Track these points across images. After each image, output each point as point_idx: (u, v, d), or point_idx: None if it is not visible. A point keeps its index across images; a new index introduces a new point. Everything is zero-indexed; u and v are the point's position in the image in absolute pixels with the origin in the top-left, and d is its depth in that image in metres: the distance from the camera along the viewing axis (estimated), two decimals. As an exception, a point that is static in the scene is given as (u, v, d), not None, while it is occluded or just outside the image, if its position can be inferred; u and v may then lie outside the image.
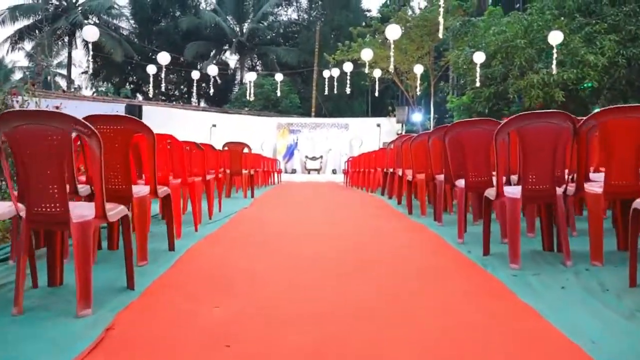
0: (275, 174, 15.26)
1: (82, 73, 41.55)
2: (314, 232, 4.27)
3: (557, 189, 2.84)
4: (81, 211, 2.14)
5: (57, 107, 4.24)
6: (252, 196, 8.01)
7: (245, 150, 7.90)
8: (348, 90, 16.57)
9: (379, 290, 2.50)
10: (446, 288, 2.55)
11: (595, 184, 2.88)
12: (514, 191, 2.90)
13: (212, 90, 20.38)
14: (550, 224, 3.17)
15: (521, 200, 2.85)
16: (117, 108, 19.86)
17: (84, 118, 2.85)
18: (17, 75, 39.90)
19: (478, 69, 13.51)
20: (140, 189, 3.01)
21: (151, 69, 16.25)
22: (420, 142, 5.19)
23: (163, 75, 15.67)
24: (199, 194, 4.66)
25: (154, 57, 38.03)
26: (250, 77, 18.42)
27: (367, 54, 13.96)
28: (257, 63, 39.23)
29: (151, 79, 16.27)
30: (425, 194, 5.25)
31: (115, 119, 2.89)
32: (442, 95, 25.33)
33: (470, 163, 3.59)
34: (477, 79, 13.63)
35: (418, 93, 18.49)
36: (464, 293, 2.46)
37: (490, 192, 3.05)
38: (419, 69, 16.50)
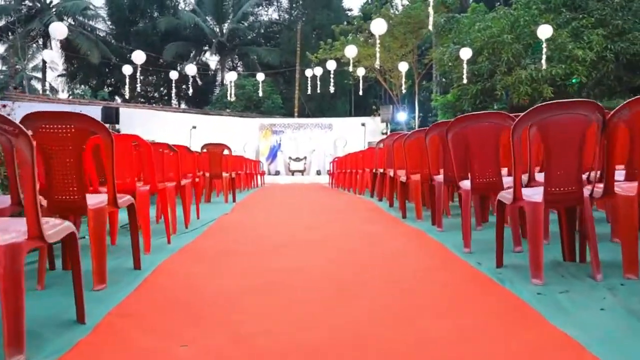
0: (259, 177, 14.79)
1: (59, 76, 40.63)
2: (301, 240, 3.83)
3: (584, 190, 2.45)
4: (7, 229, 1.68)
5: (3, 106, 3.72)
6: (234, 200, 7.55)
7: (226, 152, 7.44)
8: (332, 89, 16.16)
9: (381, 313, 2.08)
10: (461, 310, 2.14)
11: (627, 184, 2.49)
12: (534, 194, 2.50)
13: (191, 91, 19.76)
14: (571, 230, 2.78)
15: (543, 204, 2.45)
16: (94, 111, 19.20)
17: (25, 115, 2.39)
18: (-8, 80, 38.75)
19: (465, 65, 13.21)
20: (97, 199, 2.55)
21: (127, 70, 15.66)
22: (414, 140, 4.79)
23: (138, 75, 15.06)
24: (172, 201, 4.20)
25: (131, 58, 37.46)
26: (230, 77, 17.89)
27: (351, 51, 13.57)
28: (238, 64, 38.64)
29: (127, 80, 15.67)
30: (421, 196, 4.85)
31: (65, 117, 2.42)
32: (425, 94, 25.10)
33: (477, 162, 3.19)
34: (464, 76, 13.31)
35: (403, 91, 18.14)
36: (484, 317, 2.05)
37: (505, 196, 2.65)
38: (403, 67, 16.16)
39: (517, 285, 2.44)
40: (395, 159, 5.70)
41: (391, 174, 5.87)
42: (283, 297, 2.34)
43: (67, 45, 33.35)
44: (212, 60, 39.16)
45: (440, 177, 4.11)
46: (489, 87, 14.03)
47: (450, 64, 14.96)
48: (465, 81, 13.65)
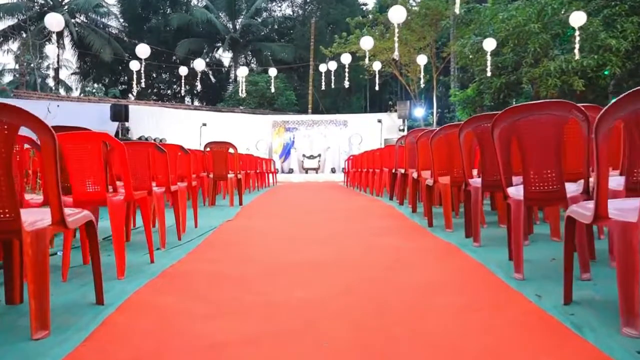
0: (271, 175, 14.19)
1: (72, 74, 40.50)
2: (309, 262, 3.18)
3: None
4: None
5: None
6: (241, 203, 6.93)
7: (231, 150, 6.82)
8: (346, 84, 15.47)
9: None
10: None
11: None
12: (626, 207, 1.82)
13: (199, 87, 19.28)
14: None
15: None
16: (103, 108, 18.80)
17: None
18: (7, 78, 38.69)
19: (489, 57, 12.40)
20: (37, 217, 1.93)
21: (134, 65, 15.16)
22: (443, 137, 4.11)
23: (143, 70, 14.50)
24: (160, 210, 3.58)
25: (136, 52, 37.08)
26: (241, 72, 17.28)
27: (367, 43, 12.85)
28: (252, 60, 38.11)
29: (134, 76, 15.15)
30: (451, 203, 4.17)
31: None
32: (442, 89, 24.27)
33: (532, 166, 2.51)
34: (488, 68, 12.50)
35: (422, 85, 17.36)
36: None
37: (581, 212, 1.97)
38: (422, 60, 15.39)
39: (603, 336, 1.76)
40: (420, 159, 5.02)
41: (414, 175, 5.19)
42: (287, 353, 1.69)
43: (79, 43, 33.15)
44: (225, 57, 38.70)
45: (477, 182, 3.43)
46: (513, 80, 13.21)
47: (471, 56, 14.17)
48: (489, 74, 12.84)
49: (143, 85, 15.11)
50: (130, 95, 37.73)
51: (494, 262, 2.91)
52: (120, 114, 18.08)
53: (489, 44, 12.15)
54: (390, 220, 5.00)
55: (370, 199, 7.67)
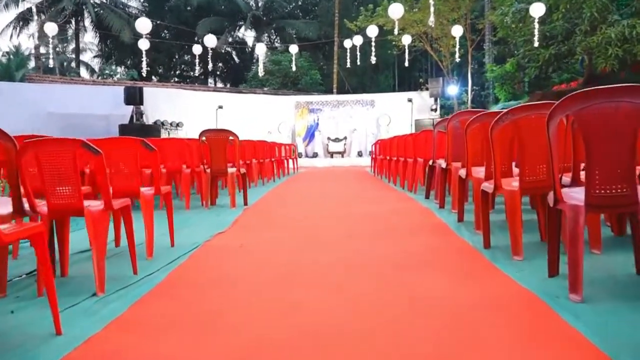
0: (291, 162, 13.01)
1: (95, 57, 39.91)
2: (317, 332, 1.97)
3: None
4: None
5: None
6: (245, 203, 5.76)
7: (235, 140, 5.62)
8: (373, 60, 14.07)
9: None
10: None
11: None
12: None
13: (221, 68, 18.01)
14: None
15: None
16: (118, 91, 17.86)
17: None
18: (32, 64, 38.30)
19: (536, 24, 10.81)
20: None
21: (143, 44, 14.03)
22: (511, 124, 2.82)
23: (144, 48, 13.37)
24: (99, 231, 2.42)
25: (165, 35, 36.11)
26: (259, 49, 15.97)
27: (396, 11, 11.39)
28: (276, 39, 36.74)
29: (144, 56, 14.07)
30: (520, 219, 2.89)
31: None
32: (474, 65, 22.54)
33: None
34: (535, 37, 10.91)
35: (457, 60, 15.80)
36: None
37: None
38: (457, 31, 13.83)
39: None
40: (469, 151, 3.73)
41: (462, 173, 3.91)
42: None
43: (98, 24, 32.33)
44: (248, 36, 37.37)
45: (577, 193, 2.16)
46: (564, 51, 11.58)
47: (513, 25, 12.56)
48: (536, 44, 11.24)
49: (144, 66, 13.89)
50: (153, 77, 36.99)
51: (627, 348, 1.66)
52: (134, 97, 17.07)
53: (537, 10, 10.55)
54: (430, 236, 3.73)
55: (401, 196, 6.37)
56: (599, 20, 10.61)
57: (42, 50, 37.06)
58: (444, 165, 4.66)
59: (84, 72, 37.49)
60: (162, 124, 17.93)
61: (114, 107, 17.82)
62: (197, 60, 16.56)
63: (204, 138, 5.46)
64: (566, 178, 2.79)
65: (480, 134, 3.61)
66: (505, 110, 2.84)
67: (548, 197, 2.38)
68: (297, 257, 3.18)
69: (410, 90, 21.91)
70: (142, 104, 17.30)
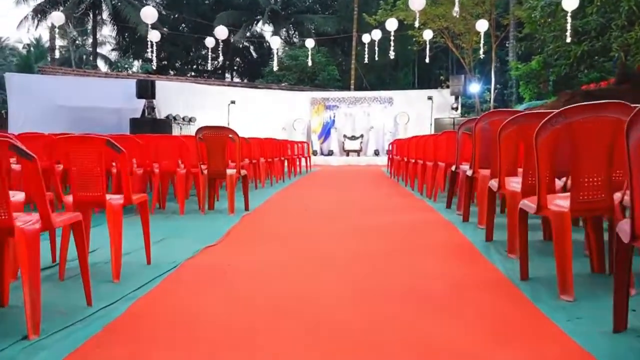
0: (304, 160, 12.46)
1: (112, 50, 39.83)
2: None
3: None
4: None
5: None
6: (247, 208, 5.22)
7: (235, 138, 5.07)
8: (392, 55, 13.41)
9: None
10: None
11: None
12: None
13: (225, 60, 17.53)
14: None
15: None
16: (130, 84, 17.47)
17: None
18: (56, 54, 38.32)
19: (569, 18, 10.06)
20: None
21: (154, 36, 13.57)
22: (564, 127, 2.22)
23: (154, 39, 12.90)
24: (33, 254, 1.89)
25: (182, 29, 35.81)
26: (274, 43, 15.40)
27: (417, 2, 10.74)
28: (294, 34, 36.18)
29: (154, 48, 13.61)
30: (570, 248, 2.29)
31: None
32: (497, 64, 21.72)
33: None
34: (568, 32, 10.16)
35: (481, 56, 15.05)
36: None
37: None
38: (482, 25, 13.10)
39: None
40: (502, 159, 3.13)
41: (493, 185, 3.30)
42: None
43: (116, 17, 32.14)
44: (267, 31, 36.82)
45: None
46: (598, 48, 10.78)
47: (542, 20, 11.80)
48: (569, 39, 10.47)
49: (154, 58, 13.43)
50: (170, 71, 36.73)
51: None
52: (146, 91, 16.66)
53: (570, 3, 9.81)
54: (454, 261, 3.13)
55: (419, 204, 5.74)
56: (638, 14, 9.82)
57: (61, 42, 37.11)
58: (469, 172, 4.04)
59: (102, 66, 37.42)
60: (174, 118, 17.51)
61: (126, 101, 17.45)
62: (209, 54, 16.03)
63: (200, 136, 4.92)
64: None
65: (516, 138, 3.01)
66: (556, 111, 2.23)
67: (618, 228, 1.78)
68: (292, 289, 2.60)
69: (429, 88, 21.17)
70: (154, 98, 16.88)
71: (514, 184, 3.05)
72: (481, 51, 14.12)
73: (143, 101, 16.70)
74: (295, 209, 5.60)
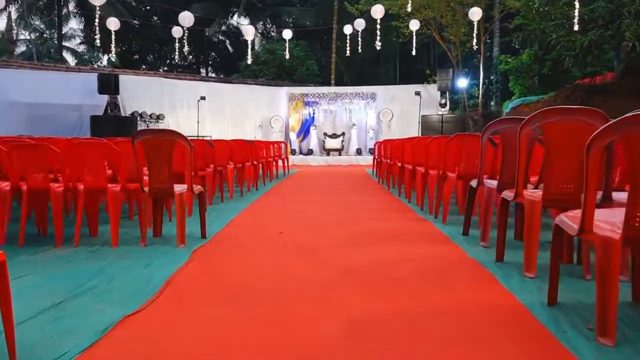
0: (280, 162, 11.25)
1: (80, 44, 37.90)
2: None
3: None
4: None
5: None
6: (203, 235, 4.00)
7: (185, 145, 3.83)
8: (378, 46, 12.25)
9: None
10: None
11: None
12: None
13: (191, 53, 16.21)
14: None
15: None
16: (90, 78, 16.03)
17: None
18: (21, 49, 36.23)
19: (577, 4, 8.99)
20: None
21: (113, 23, 12.14)
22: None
23: (111, 28, 11.46)
24: None
25: (153, 21, 34.10)
26: (249, 33, 14.07)
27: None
28: (272, 28, 34.85)
29: (113, 37, 12.21)
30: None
31: None
32: (486, 57, 20.73)
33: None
34: (576, 19, 9.10)
35: (475, 47, 13.97)
36: None
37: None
38: (475, 14, 12.00)
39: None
40: (590, 180, 1.97)
41: (568, 224, 2.14)
42: None
43: (82, 8, 30.35)
44: (243, 24, 35.29)
45: None
46: (607, 37, 9.75)
47: (541, 9, 10.76)
48: (576, 27, 9.40)
49: (113, 49, 12.07)
50: (143, 66, 34.99)
51: None
52: (108, 85, 15.28)
53: (577, -12, 8.77)
54: (512, 347, 1.97)
55: (424, 227, 4.52)
56: (651, 0, 8.85)
57: (32, 36, 35.04)
58: (508, 196, 2.87)
59: (71, 60, 35.44)
60: (141, 115, 16.10)
61: (87, 97, 16.01)
62: (176, 45, 14.61)
63: (137, 141, 3.67)
64: None
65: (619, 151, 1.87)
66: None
67: None
68: None
69: (413, 84, 20.08)
70: (117, 94, 15.50)
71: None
72: (474, 42, 13.04)
73: (106, 97, 15.30)
74: (267, 233, 4.38)
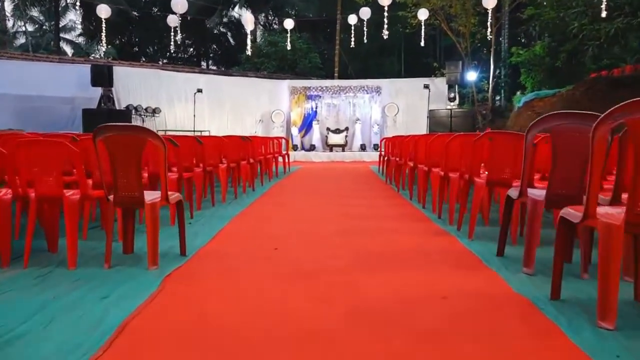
0: (280, 160, 10.56)
1: (79, 35, 37.20)
2: None
3: None
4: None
5: None
6: (183, 252, 3.32)
7: (158, 144, 3.14)
8: (385, 35, 11.52)
9: None
10: None
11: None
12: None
13: (188, 45, 15.51)
14: None
15: None
16: (84, 70, 15.30)
17: None
18: (21, 40, 35.52)
19: (604, -9, 8.25)
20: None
21: (104, 11, 11.45)
22: None
23: (102, 16, 10.77)
24: None
25: (153, 12, 33.31)
26: (247, 22, 13.35)
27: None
28: (274, 20, 34.05)
29: (103, 26, 11.51)
30: None
31: None
32: (485, 50, 19.97)
33: None
34: (604, 5, 8.35)
35: (489, 37, 13.22)
36: None
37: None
38: (490, 1, 11.24)
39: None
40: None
41: None
42: None
43: (81, 1, 29.57)
44: (244, 16, 34.51)
45: None
46: (636, 25, 8.97)
47: (560, -4, 10.03)
48: (604, 14, 8.65)
49: (104, 38, 11.38)
50: (142, 58, 34.25)
51: None
52: (102, 77, 14.56)
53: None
54: None
55: (448, 243, 3.80)
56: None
57: (30, 27, 34.32)
58: (574, 217, 2.17)
59: (70, 52, 34.74)
60: (136, 109, 15.40)
61: (80, 88, 15.33)
62: (172, 34, 13.91)
63: (98, 139, 2.99)
64: None
65: None
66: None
67: None
68: None
69: (419, 77, 19.32)
70: (111, 86, 14.79)
71: None
72: (488, 31, 12.29)
73: (99, 89, 14.62)
74: (259, 248, 3.69)
